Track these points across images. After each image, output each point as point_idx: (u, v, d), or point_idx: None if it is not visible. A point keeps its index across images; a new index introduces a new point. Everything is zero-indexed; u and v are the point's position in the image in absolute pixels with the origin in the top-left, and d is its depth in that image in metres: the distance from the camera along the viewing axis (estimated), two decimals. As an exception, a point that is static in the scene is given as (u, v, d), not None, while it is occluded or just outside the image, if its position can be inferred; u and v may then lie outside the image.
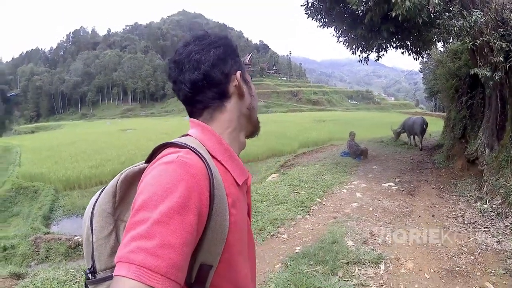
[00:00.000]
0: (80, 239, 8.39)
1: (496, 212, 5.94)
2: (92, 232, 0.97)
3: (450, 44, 10.90)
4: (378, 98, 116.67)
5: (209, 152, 0.98)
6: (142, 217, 0.78)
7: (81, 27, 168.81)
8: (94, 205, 1.00)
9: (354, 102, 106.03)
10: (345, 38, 9.98)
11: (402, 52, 10.10)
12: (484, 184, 6.95)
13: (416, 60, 10.53)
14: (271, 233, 5.85)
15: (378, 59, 10.30)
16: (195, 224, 0.81)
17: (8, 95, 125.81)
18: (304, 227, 6.05)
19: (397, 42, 9.73)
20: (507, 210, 5.76)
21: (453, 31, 7.24)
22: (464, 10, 7.22)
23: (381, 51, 9.97)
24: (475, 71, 7.25)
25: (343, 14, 9.21)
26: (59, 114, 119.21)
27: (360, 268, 4.24)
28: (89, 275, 0.96)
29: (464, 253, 4.60)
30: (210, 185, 0.88)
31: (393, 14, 6.94)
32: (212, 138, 1.03)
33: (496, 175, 6.69)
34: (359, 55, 10.02)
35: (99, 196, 1.02)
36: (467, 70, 9.45)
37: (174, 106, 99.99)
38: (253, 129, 1.21)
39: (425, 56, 11.73)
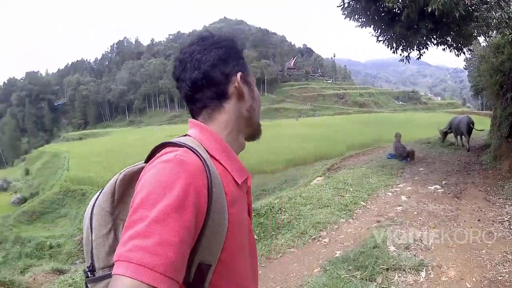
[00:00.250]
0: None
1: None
2: (91, 231, 0.98)
3: (492, 38, 10.38)
4: (425, 98, 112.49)
5: (207, 152, 0.98)
6: (140, 215, 0.78)
7: (125, 37, 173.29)
8: (94, 204, 1.01)
9: (400, 103, 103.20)
10: (384, 37, 9.73)
11: (443, 49, 9.75)
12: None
13: (458, 56, 10.10)
14: (313, 237, 5.75)
15: (419, 57, 10.03)
16: (193, 222, 0.81)
17: (56, 104, 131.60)
18: (347, 231, 5.90)
19: (437, 39, 9.42)
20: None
21: (492, 24, 6.95)
22: (502, 1, 6.86)
23: (422, 48, 9.69)
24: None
25: (380, 13, 9.00)
26: (106, 121, 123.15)
27: (400, 275, 4.05)
28: (88, 273, 0.96)
29: (509, 261, 4.28)
30: (208, 183, 0.88)
31: (429, 10, 6.69)
32: (210, 137, 1.03)
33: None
34: (400, 54, 9.76)
35: (99, 195, 1.03)
36: (510, 64, 8.99)
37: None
38: (253, 132, 1.22)
39: (467, 52, 11.14)
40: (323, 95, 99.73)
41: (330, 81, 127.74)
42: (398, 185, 8.45)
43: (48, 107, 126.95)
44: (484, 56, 12.06)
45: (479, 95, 32.97)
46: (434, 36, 9.21)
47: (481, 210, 6.39)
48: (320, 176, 12.11)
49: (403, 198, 7.32)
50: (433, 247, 4.79)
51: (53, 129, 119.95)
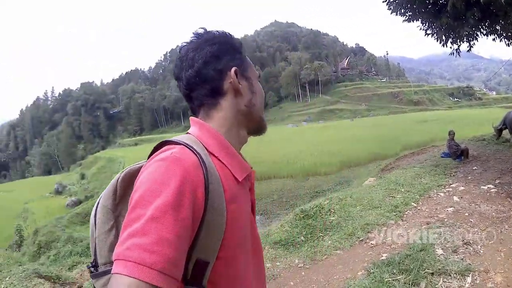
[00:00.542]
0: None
1: None
2: (95, 228, 0.99)
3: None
4: (479, 93, 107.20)
5: (206, 149, 0.97)
6: (138, 214, 0.78)
7: (177, 46, 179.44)
8: (99, 202, 1.02)
9: (455, 99, 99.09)
10: (433, 30, 9.37)
11: (493, 39, 9.24)
12: None
13: (509, 46, 9.49)
14: (360, 239, 5.62)
15: (469, 49, 9.55)
16: (190, 219, 0.81)
17: (111, 112, 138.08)
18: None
19: (486, 28, 8.95)
20: None
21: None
22: None
23: (471, 40, 9.21)
24: None
25: (426, 4, 8.67)
26: (162, 127, 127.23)
27: (445, 279, 3.83)
28: (92, 269, 0.98)
29: (560, 268, 3.96)
30: (205, 180, 0.87)
31: None
32: (208, 134, 1.02)
33: None
34: (450, 47, 9.34)
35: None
36: None
37: (277, 114, 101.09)
38: (256, 127, 1.18)
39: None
40: (377, 95, 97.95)
41: (384, 80, 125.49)
42: (451, 185, 8.05)
43: (103, 115, 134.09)
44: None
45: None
46: (483, 26, 8.76)
47: (535, 212, 5.95)
48: (372, 177, 11.85)
49: (455, 198, 6.96)
50: (481, 251, 4.51)
51: (109, 135, 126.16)
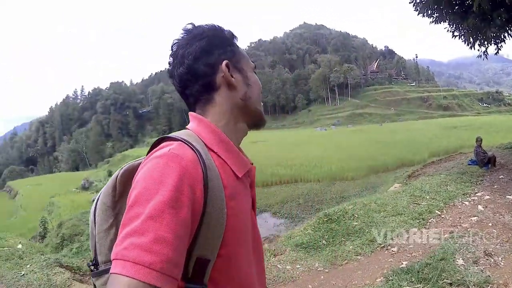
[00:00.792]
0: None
1: None
2: (94, 225, 0.98)
3: None
4: (509, 98, 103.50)
5: (205, 145, 0.94)
6: (135, 212, 0.76)
7: None
8: (98, 198, 1.00)
9: (484, 104, 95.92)
10: (460, 32, 9.15)
11: (523, 42, 8.95)
12: None
13: None
14: (382, 245, 5.58)
15: (497, 52, 9.26)
16: (188, 217, 0.79)
17: (140, 112, 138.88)
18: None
19: (513, 30, 8.65)
20: None
21: None
22: None
23: (499, 42, 8.93)
24: None
25: (453, 5, 8.46)
26: None
27: (463, 290, 3.78)
28: (92, 267, 0.97)
29: None
30: (203, 177, 0.84)
31: None
32: (207, 130, 0.99)
33: None
34: (478, 49, 9.10)
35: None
36: None
37: (306, 117, 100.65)
38: (253, 120, 1.13)
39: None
40: (407, 99, 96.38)
41: (413, 84, 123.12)
42: (476, 194, 7.83)
43: (133, 114, 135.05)
44: None
45: None
46: (511, 27, 8.50)
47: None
48: (398, 183, 11.66)
49: (480, 208, 6.77)
50: (502, 263, 4.37)
51: (138, 134, 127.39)
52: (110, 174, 42.12)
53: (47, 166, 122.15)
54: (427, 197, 7.81)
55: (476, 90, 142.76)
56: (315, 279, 4.90)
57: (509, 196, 7.28)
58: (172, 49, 1.04)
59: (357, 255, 5.38)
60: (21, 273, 5.49)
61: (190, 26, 1.05)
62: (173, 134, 0.93)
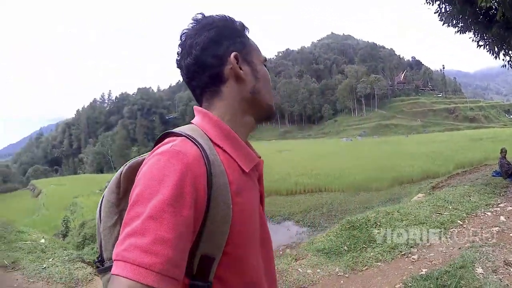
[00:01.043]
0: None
1: None
2: (100, 222, 0.95)
3: None
4: None
5: (210, 139, 0.91)
6: (136, 212, 0.74)
7: None
8: (104, 196, 0.98)
9: (511, 116, 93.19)
10: (485, 42, 9.03)
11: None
12: None
13: None
14: (402, 253, 5.55)
15: None
16: (191, 215, 0.76)
17: (167, 117, 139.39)
18: (438, 249, 5.55)
19: (539, 39, 8.47)
20: None
21: None
22: None
23: None
24: None
25: (477, 15, 8.37)
26: None
27: (481, 298, 3.77)
28: (98, 264, 0.95)
29: None
30: (207, 173, 0.82)
31: None
32: (212, 124, 0.95)
33: None
34: (503, 59, 8.97)
35: None
36: None
37: (332, 127, 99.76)
38: (262, 114, 1.08)
39: None
40: (433, 110, 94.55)
41: (440, 95, 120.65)
42: (499, 205, 7.70)
43: (159, 120, 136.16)
44: None
45: None
46: None
47: None
48: (421, 193, 11.52)
49: (502, 218, 6.66)
50: (521, 273, 4.36)
51: None
52: (134, 178, 42.75)
53: (71, 167, 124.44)
54: (450, 207, 7.73)
55: (503, 101, 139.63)
56: (334, 284, 4.93)
57: (532, 208, 7.16)
58: (180, 39, 1.01)
59: (377, 262, 5.37)
60: (42, 265, 5.67)
61: (200, 16, 1.03)
62: (177, 129, 0.91)
